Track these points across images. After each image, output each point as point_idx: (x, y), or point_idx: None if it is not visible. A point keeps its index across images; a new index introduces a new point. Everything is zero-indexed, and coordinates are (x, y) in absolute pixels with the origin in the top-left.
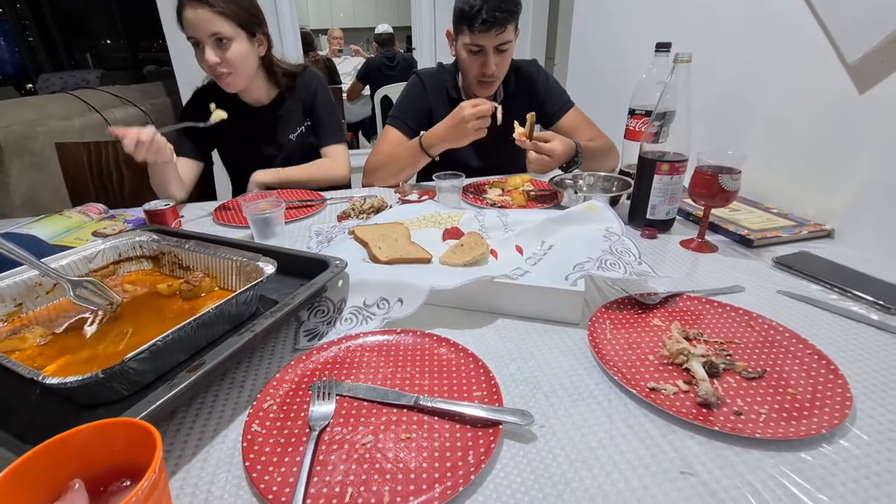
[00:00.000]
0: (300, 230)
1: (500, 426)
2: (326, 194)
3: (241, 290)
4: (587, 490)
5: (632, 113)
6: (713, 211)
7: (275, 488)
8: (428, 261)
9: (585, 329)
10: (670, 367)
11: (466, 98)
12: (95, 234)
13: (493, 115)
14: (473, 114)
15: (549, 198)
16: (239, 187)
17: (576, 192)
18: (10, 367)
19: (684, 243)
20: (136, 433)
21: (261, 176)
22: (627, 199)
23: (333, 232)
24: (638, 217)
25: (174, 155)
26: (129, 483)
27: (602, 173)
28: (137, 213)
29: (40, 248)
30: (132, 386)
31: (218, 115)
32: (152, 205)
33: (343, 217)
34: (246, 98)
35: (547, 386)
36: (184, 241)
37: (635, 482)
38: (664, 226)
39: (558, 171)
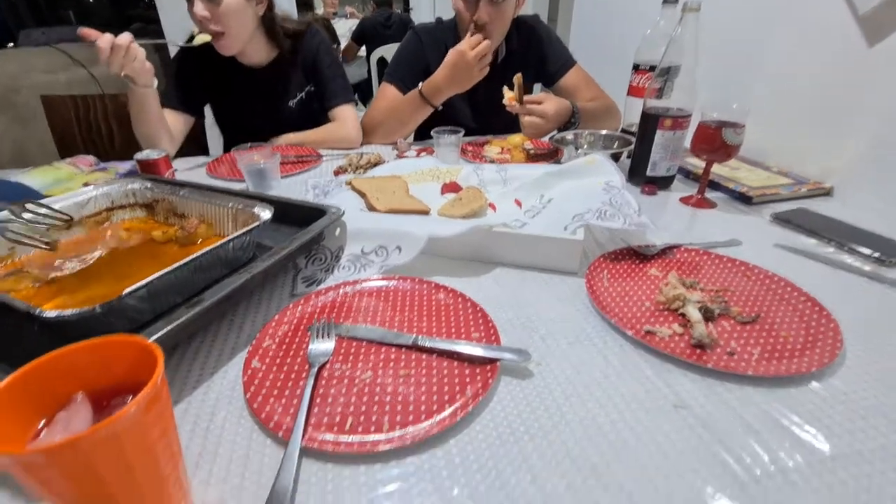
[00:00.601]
0: (296, 184)
1: (498, 363)
2: (323, 150)
3: (238, 232)
4: (581, 421)
5: (636, 68)
6: (714, 169)
7: (276, 418)
8: (426, 213)
9: (583, 278)
10: (666, 313)
11: None
12: (86, 185)
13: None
14: (476, 55)
15: (548, 156)
16: (232, 145)
17: (576, 150)
18: (7, 303)
19: (684, 200)
20: (137, 352)
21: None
22: (628, 157)
23: (330, 186)
24: (638, 174)
25: (154, 80)
26: (131, 398)
27: (603, 132)
28: (130, 166)
29: (29, 195)
30: (130, 323)
31: (202, 38)
32: (145, 154)
33: (340, 171)
34: (242, 59)
35: (544, 330)
36: (178, 188)
37: (629, 415)
38: (664, 183)
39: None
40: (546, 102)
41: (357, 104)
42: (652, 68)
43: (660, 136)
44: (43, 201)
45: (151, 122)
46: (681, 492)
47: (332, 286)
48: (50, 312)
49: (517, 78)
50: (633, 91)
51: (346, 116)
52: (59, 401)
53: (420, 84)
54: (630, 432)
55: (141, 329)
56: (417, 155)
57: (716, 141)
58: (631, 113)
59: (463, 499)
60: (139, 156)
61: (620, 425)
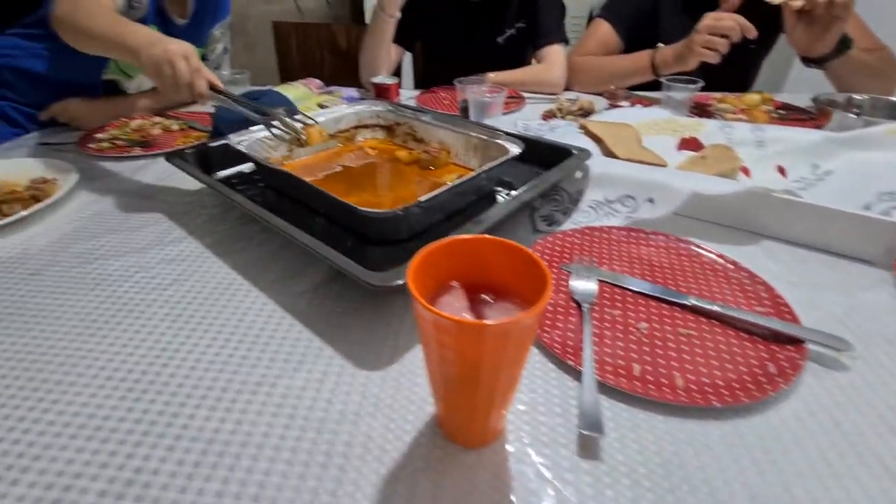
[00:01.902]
0: (503, 124)
1: (805, 345)
2: (525, 92)
3: (497, 161)
4: None
5: None
6: None
7: (557, 345)
8: (663, 167)
9: (890, 270)
10: None
11: None
12: (320, 105)
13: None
14: (707, 27)
15: (804, 122)
16: (430, 83)
17: (857, 115)
18: (324, 193)
19: None
20: (519, 260)
21: None
22: None
23: (542, 129)
24: None
25: (399, 12)
26: (492, 298)
27: (891, 98)
28: (351, 92)
29: (290, 106)
30: (408, 231)
31: None
32: (380, 79)
33: (548, 116)
34: None
35: (848, 320)
36: (420, 114)
37: None
38: None
39: (822, 91)
40: None
41: (568, 44)
42: None
43: None
44: (297, 116)
45: (381, 50)
46: None
47: (578, 229)
48: (365, 210)
49: None
50: None
51: (555, 58)
52: (438, 285)
53: (659, 46)
54: None
55: (409, 241)
56: (632, 106)
57: None
58: None
59: (782, 477)
60: (376, 80)
61: None
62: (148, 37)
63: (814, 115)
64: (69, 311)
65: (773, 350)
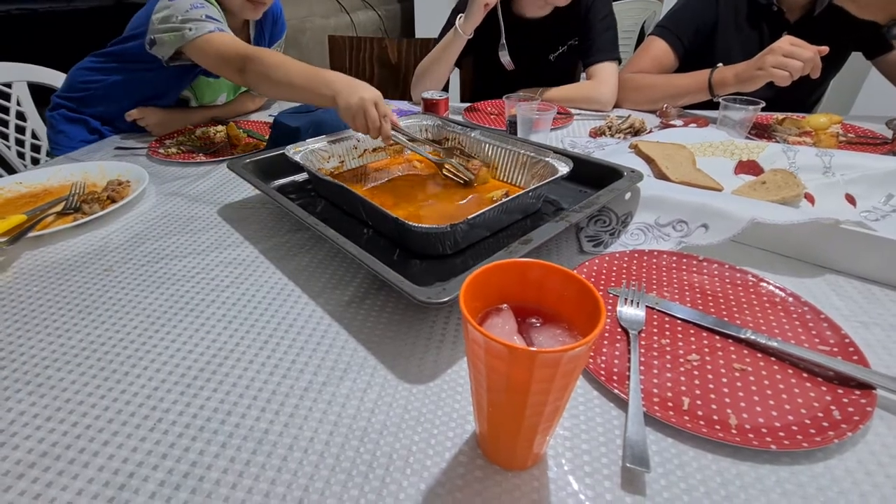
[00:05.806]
0: (549, 141)
1: (875, 392)
2: (573, 108)
3: (544, 181)
4: None
5: None
6: None
7: (602, 371)
8: (719, 192)
9: None
10: None
11: (781, 5)
12: None
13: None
14: (784, 50)
15: (877, 147)
16: (475, 98)
17: None
18: (374, 206)
19: None
20: (573, 287)
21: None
22: None
23: (590, 146)
24: None
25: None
26: (539, 321)
27: None
28: (400, 104)
29: (336, 123)
30: (453, 247)
31: None
32: (430, 94)
33: (597, 133)
34: (518, 10)
35: None
36: (469, 129)
37: None
38: None
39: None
40: None
41: (620, 62)
42: None
43: None
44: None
45: (443, 65)
46: None
47: (626, 252)
48: (415, 225)
49: None
50: None
51: (606, 76)
52: (487, 305)
53: (718, 66)
54: None
55: (453, 256)
56: (685, 125)
57: None
58: None
59: None
60: (426, 94)
61: None
62: (344, 84)
63: (888, 140)
64: (137, 307)
65: (839, 394)
